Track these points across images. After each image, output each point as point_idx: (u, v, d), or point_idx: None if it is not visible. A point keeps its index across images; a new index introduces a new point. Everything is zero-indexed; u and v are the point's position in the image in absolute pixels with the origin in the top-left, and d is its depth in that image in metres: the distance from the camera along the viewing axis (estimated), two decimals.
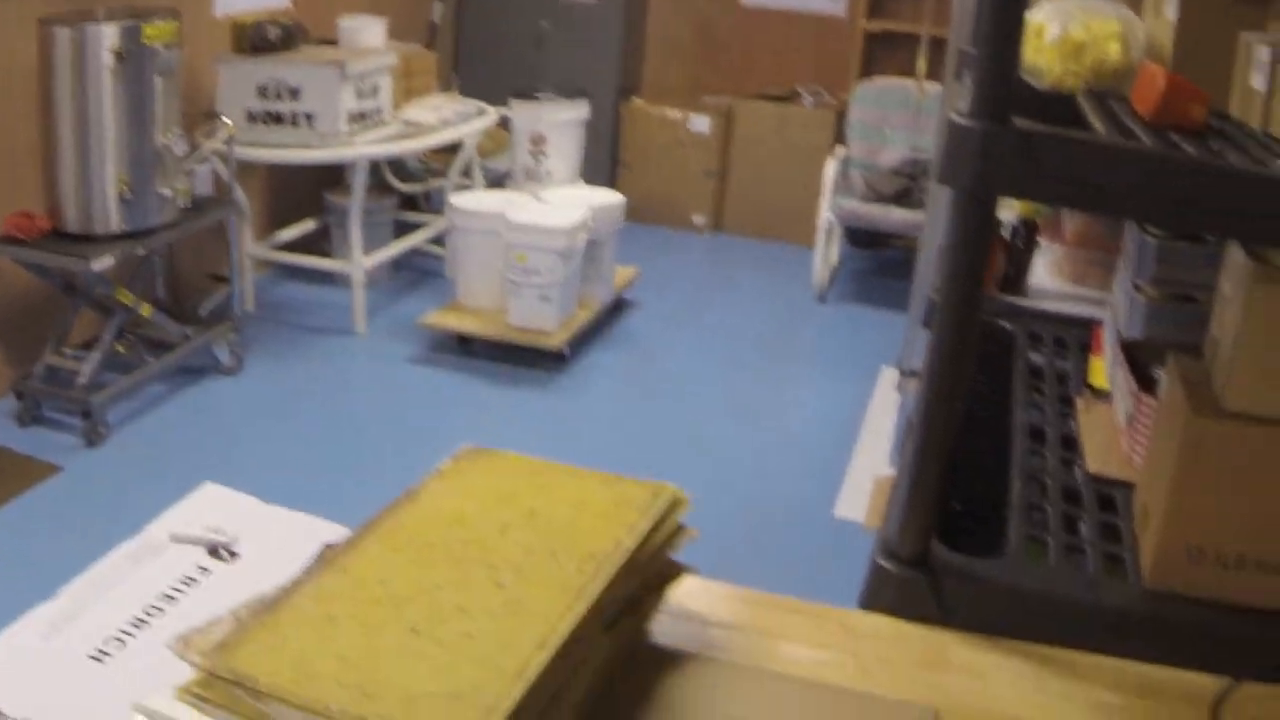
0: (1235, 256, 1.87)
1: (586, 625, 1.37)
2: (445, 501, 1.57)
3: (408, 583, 1.39)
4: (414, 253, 7.55)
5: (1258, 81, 2.14)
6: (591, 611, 1.37)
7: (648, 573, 1.55)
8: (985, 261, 1.76)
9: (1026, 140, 1.62)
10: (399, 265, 7.67)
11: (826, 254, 7.73)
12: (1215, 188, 1.63)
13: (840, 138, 8.19)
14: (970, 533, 2.02)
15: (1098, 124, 1.89)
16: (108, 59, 5.17)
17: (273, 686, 1.22)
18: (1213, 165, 1.69)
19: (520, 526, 1.51)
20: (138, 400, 5.84)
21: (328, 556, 1.45)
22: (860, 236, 8.48)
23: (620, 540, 1.48)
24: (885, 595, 1.85)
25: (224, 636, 1.29)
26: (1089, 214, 3.48)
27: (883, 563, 1.86)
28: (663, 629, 1.68)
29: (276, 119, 6.45)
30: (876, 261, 8.58)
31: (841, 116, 8.31)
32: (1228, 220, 1.65)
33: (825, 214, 7.55)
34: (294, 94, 6.44)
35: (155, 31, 5.33)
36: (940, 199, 4.61)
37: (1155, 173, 1.65)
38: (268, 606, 1.34)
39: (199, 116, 6.30)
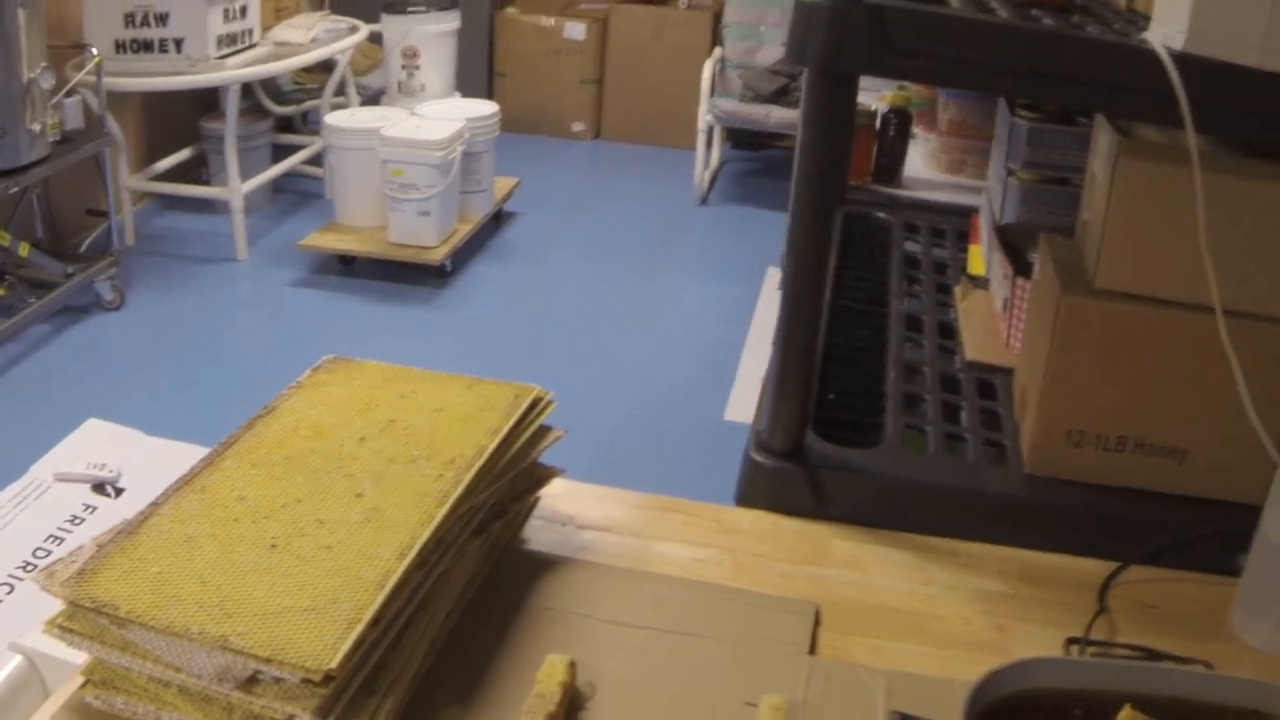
0: (1102, 134, 1.85)
1: (451, 532, 1.35)
2: (303, 414, 1.55)
3: (265, 498, 1.36)
4: (292, 175, 7.47)
5: None
6: (454, 517, 1.35)
7: (515, 476, 1.53)
8: (843, 144, 1.73)
9: (876, 14, 1.59)
10: (278, 189, 7.59)
11: (707, 156, 7.70)
12: (1073, 58, 1.60)
13: (717, 39, 8.16)
14: (848, 424, 2.01)
15: (956, 2, 1.86)
16: None
17: (133, 612, 1.19)
18: (1066, 34, 1.67)
19: (379, 435, 1.49)
20: (21, 342, 5.76)
21: (187, 477, 1.42)
22: (742, 137, 8.46)
23: (481, 444, 1.46)
24: (760, 489, 1.83)
25: (84, 565, 1.26)
26: (975, 99, 3.47)
27: (756, 456, 1.84)
28: (535, 535, 1.65)
29: (145, 46, 6.34)
30: (758, 162, 8.56)
31: (717, 18, 8.28)
32: (1088, 92, 1.62)
33: (704, 116, 7.51)
34: (161, 20, 6.31)
35: None
36: None
37: (1009, 43, 1.62)
38: (127, 532, 1.30)
39: (66, 48, 6.19)
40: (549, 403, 1.60)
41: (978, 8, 1.81)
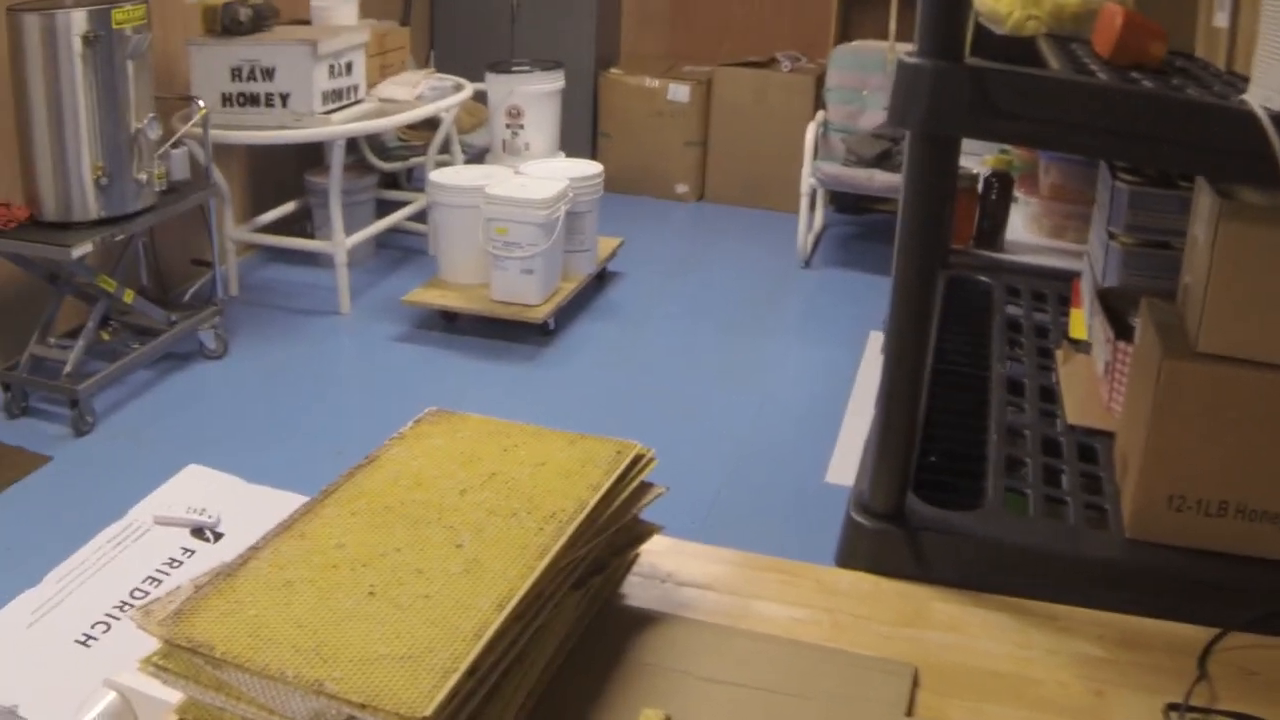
0: (1203, 197, 1.85)
1: (550, 585, 1.36)
2: (405, 464, 1.56)
3: (365, 546, 1.38)
4: (396, 231, 7.52)
5: (1220, 20, 2.12)
6: (554, 571, 1.36)
7: (615, 531, 1.53)
8: (944, 205, 1.74)
9: (977, 77, 1.60)
10: (382, 244, 7.64)
11: (810, 219, 7.69)
12: (1172, 120, 1.60)
13: (820, 102, 8.16)
14: (949, 487, 2.01)
15: (1055, 64, 1.87)
16: (77, 45, 5.13)
17: (229, 653, 1.21)
18: (1168, 97, 1.67)
19: (481, 488, 1.50)
20: (124, 387, 5.82)
21: (287, 523, 1.43)
22: (844, 201, 8.45)
23: (583, 498, 1.47)
24: (860, 551, 1.83)
25: (181, 605, 1.27)
26: (1076, 164, 3.46)
27: (857, 517, 1.85)
28: (635, 590, 1.66)
29: (251, 100, 6.41)
30: (861, 226, 8.54)
31: (820, 81, 8.28)
32: (1187, 154, 1.62)
33: (807, 179, 7.50)
34: (267, 74, 6.39)
35: (124, 15, 5.28)
36: None
37: (1109, 105, 1.62)
38: (226, 574, 1.32)
39: (173, 101, 6.27)
40: (650, 460, 1.60)
41: (1077, 70, 1.81)
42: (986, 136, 1.66)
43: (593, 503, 1.47)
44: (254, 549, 1.38)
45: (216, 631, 1.23)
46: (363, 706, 1.15)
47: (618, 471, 1.54)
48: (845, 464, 5.13)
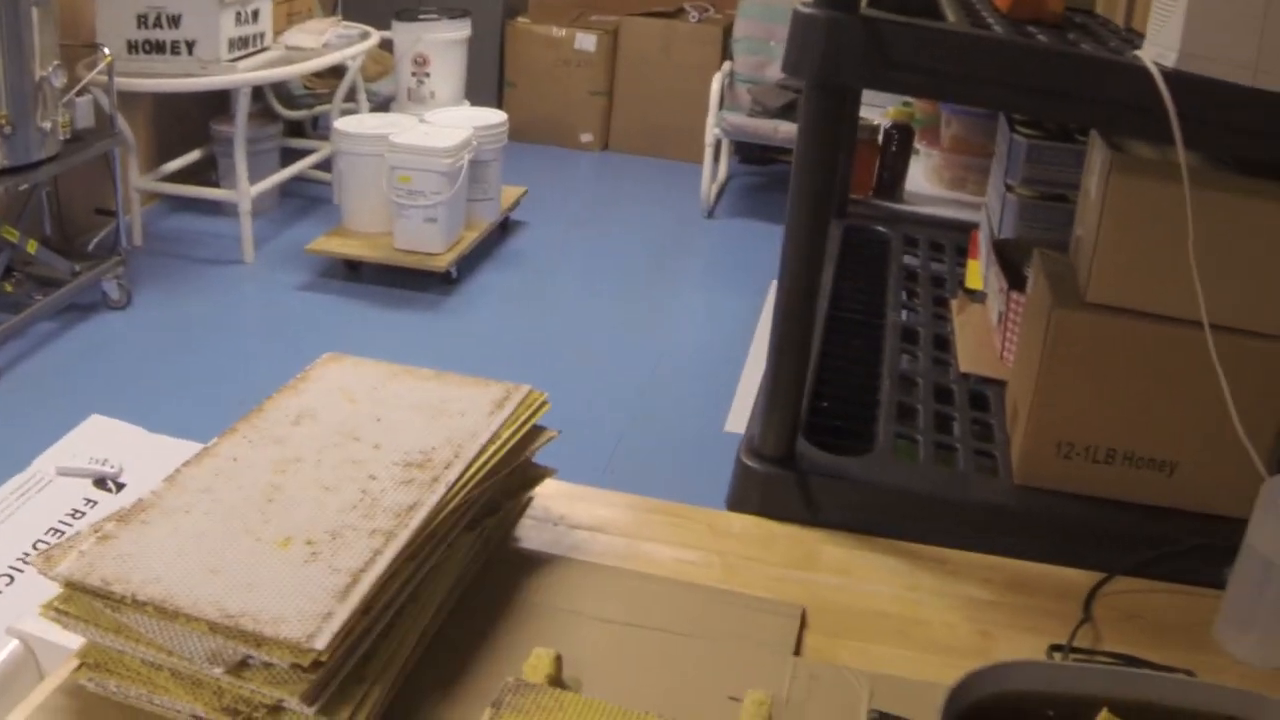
0: (1096, 150, 1.87)
1: (443, 525, 1.37)
2: (300, 406, 1.56)
3: (260, 487, 1.39)
4: (301, 179, 7.49)
5: None
6: (445, 509, 1.37)
7: (508, 474, 1.54)
8: (836, 154, 1.74)
9: (872, 27, 1.61)
10: (286, 193, 7.61)
11: (714, 170, 7.70)
12: (1066, 75, 1.62)
13: (727, 53, 8.17)
14: (840, 432, 2.02)
15: (952, 17, 1.88)
16: None
17: (126, 595, 1.21)
18: (1062, 51, 1.69)
19: (375, 427, 1.51)
20: (27, 339, 5.77)
21: (179, 470, 1.43)
22: (749, 151, 8.46)
23: (475, 437, 1.48)
24: (751, 495, 1.84)
25: (80, 549, 1.27)
26: (978, 117, 3.49)
27: (748, 461, 1.86)
28: (527, 533, 1.67)
29: (157, 48, 6.36)
30: (765, 176, 8.56)
31: (728, 32, 8.28)
32: (1081, 108, 1.64)
33: (712, 129, 7.52)
34: (173, 22, 6.34)
35: None
36: None
37: (1004, 59, 1.64)
38: (122, 518, 1.32)
39: (78, 48, 6.21)
40: (544, 403, 1.61)
41: (974, 23, 1.83)
42: (880, 87, 1.67)
43: (483, 440, 1.48)
44: (151, 493, 1.38)
45: (113, 573, 1.24)
46: (258, 645, 1.16)
47: (508, 411, 1.55)
48: (743, 413, 5.15)
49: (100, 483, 2.73)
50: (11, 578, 2.45)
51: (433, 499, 1.36)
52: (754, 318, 6.17)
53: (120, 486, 2.73)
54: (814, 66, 1.64)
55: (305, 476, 1.41)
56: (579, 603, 1.50)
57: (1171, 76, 1.55)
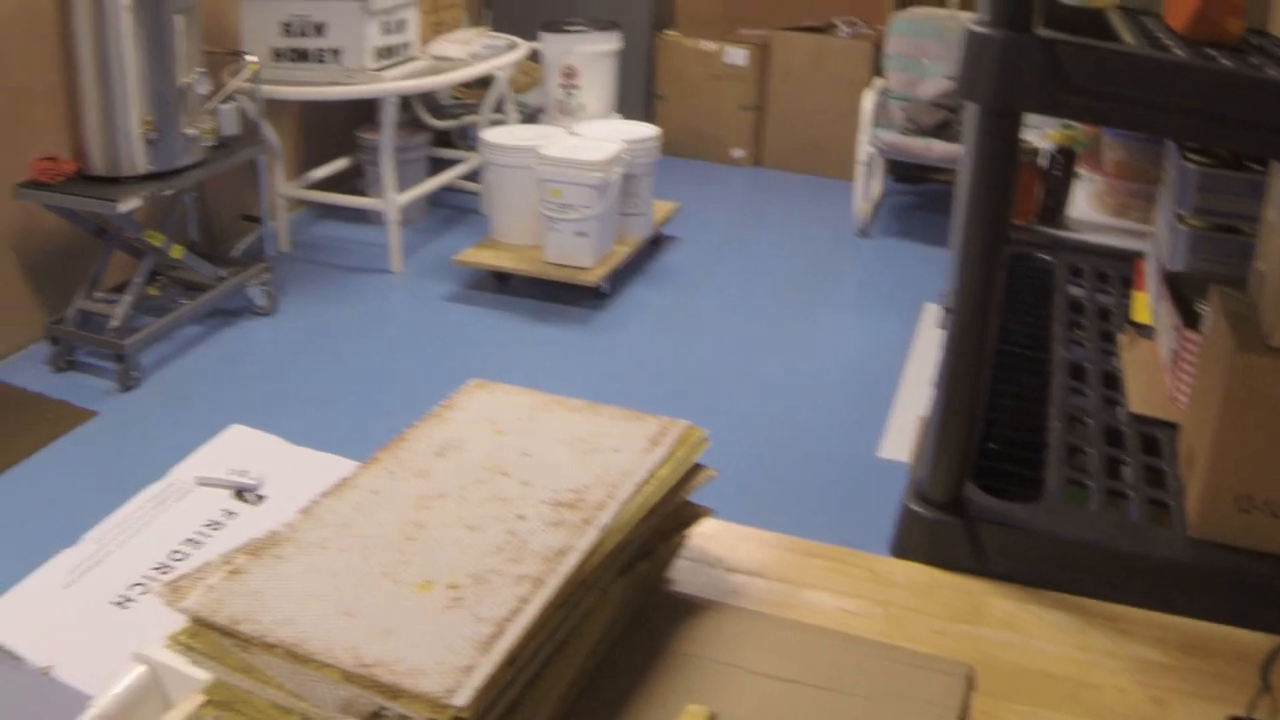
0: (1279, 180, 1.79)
1: (595, 571, 1.31)
2: (447, 439, 1.52)
3: (403, 527, 1.34)
4: (449, 190, 7.52)
5: None
6: (598, 555, 1.32)
7: (663, 515, 1.49)
8: (1010, 182, 1.67)
9: (1050, 50, 1.54)
10: (434, 203, 7.64)
11: (867, 188, 7.65)
12: (1252, 101, 1.54)
13: (878, 69, 8.11)
14: (1008, 475, 1.96)
15: (1128, 38, 1.81)
16: None
17: (256, 636, 1.18)
18: (1250, 77, 1.61)
19: (525, 465, 1.46)
20: (172, 343, 5.81)
21: (317, 501, 1.39)
22: (902, 170, 8.40)
23: (631, 479, 1.43)
24: (917, 541, 1.78)
25: (210, 582, 1.24)
26: (1141, 141, 3.40)
27: (914, 507, 1.79)
28: (682, 575, 1.62)
29: (302, 55, 6.42)
30: (918, 195, 8.49)
31: (879, 48, 8.23)
32: (1266, 137, 1.56)
33: (865, 147, 7.46)
34: (319, 30, 6.39)
35: None
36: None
37: (1188, 85, 1.56)
38: (254, 552, 1.28)
39: (223, 55, 6.26)
40: (703, 440, 1.56)
41: (1152, 45, 1.75)
42: (1058, 113, 1.60)
43: (640, 483, 1.43)
44: (288, 526, 1.34)
45: (242, 611, 1.20)
46: (394, 696, 1.12)
47: (666, 449, 1.50)
48: (898, 439, 5.10)
49: (240, 494, 2.72)
50: (146, 587, 2.43)
51: (584, 543, 1.31)
52: (907, 340, 6.10)
53: (260, 499, 2.71)
54: (988, 90, 1.58)
55: (449, 514, 1.36)
56: (736, 655, 1.44)
57: None
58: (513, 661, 1.17)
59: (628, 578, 1.44)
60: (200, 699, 1.26)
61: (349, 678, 1.14)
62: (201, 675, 1.27)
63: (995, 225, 1.66)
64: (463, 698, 1.10)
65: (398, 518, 1.36)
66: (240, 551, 1.30)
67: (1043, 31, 1.57)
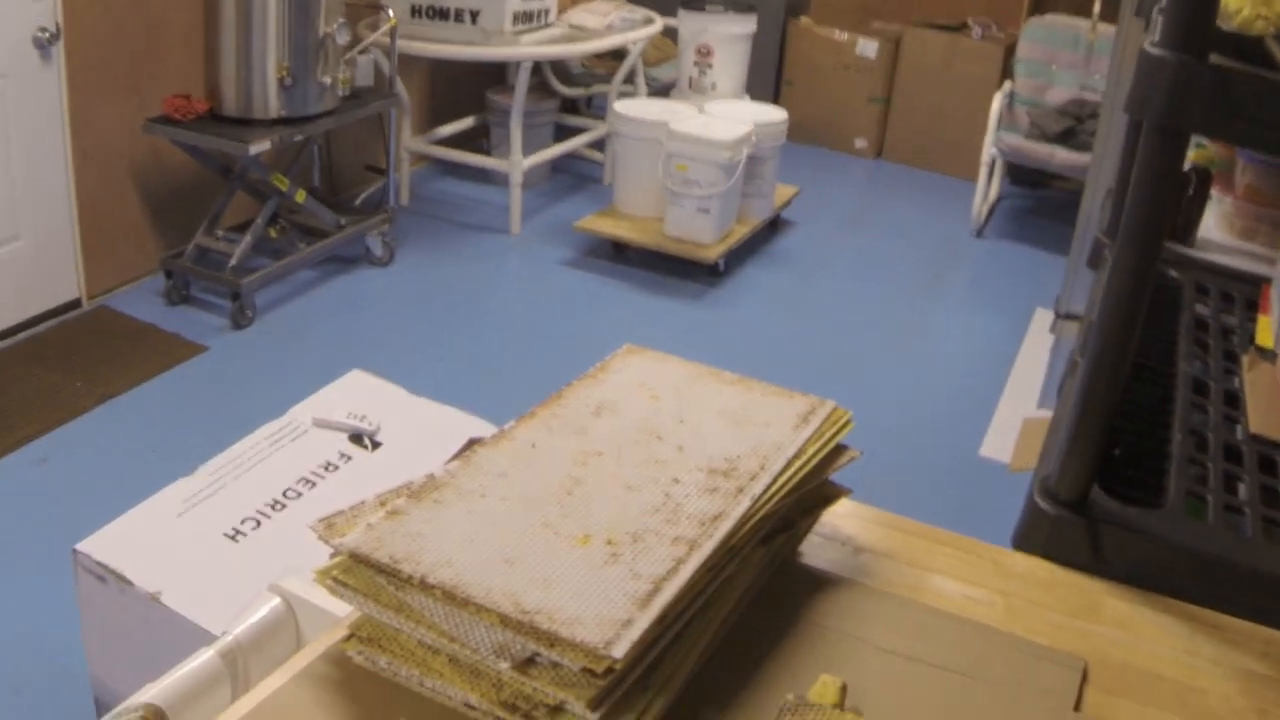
0: None
1: (740, 538, 1.35)
2: (604, 399, 1.57)
3: (563, 480, 1.38)
4: (572, 157, 7.57)
5: None
6: (746, 524, 1.36)
7: (806, 490, 1.53)
8: (1170, 202, 1.71)
9: (1222, 77, 1.57)
10: (556, 168, 7.69)
11: (987, 189, 7.65)
12: None
13: (1008, 73, 8.10)
14: (1130, 481, 1.99)
15: None
16: None
17: (415, 576, 1.21)
18: None
19: (681, 431, 1.50)
20: (287, 286, 5.89)
21: (474, 449, 1.44)
22: (1022, 174, 8.39)
23: (781, 452, 1.47)
24: (1040, 536, 1.82)
25: (373, 521, 1.28)
26: (1273, 167, 3.41)
27: (1040, 503, 1.83)
28: (813, 550, 1.66)
29: (441, 14, 6.46)
30: (1036, 200, 8.48)
31: (1010, 51, 8.22)
32: None
33: (989, 148, 7.47)
34: None
35: None
36: (1110, 142, 4.54)
37: None
38: (414, 495, 1.33)
39: (363, 8, 6.32)
40: (848, 421, 1.61)
41: None
42: (1223, 137, 1.64)
43: (790, 457, 1.47)
44: (445, 470, 1.38)
45: (403, 551, 1.24)
46: (551, 644, 1.15)
47: (815, 427, 1.55)
48: (1001, 438, 5.12)
49: (357, 438, 2.77)
50: (259, 522, 2.49)
51: (738, 511, 1.35)
52: (1016, 341, 6.12)
53: (376, 445, 2.76)
54: (1158, 109, 1.61)
55: (606, 472, 1.41)
56: (864, 630, 1.49)
57: None
58: (663, 619, 1.21)
59: (768, 548, 1.48)
60: (343, 633, 1.30)
61: (507, 622, 1.16)
62: (340, 611, 1.31)
63: (1150, 243, 1.70)
64: (620, 650, 1.13)
65: (557, 472, 1.40)
66: (398, 493, 1.34)
67: (1216, 59, 1.60)
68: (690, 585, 1.25)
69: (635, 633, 1.17)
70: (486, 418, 2.80)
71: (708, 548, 1.29)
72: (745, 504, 1.37)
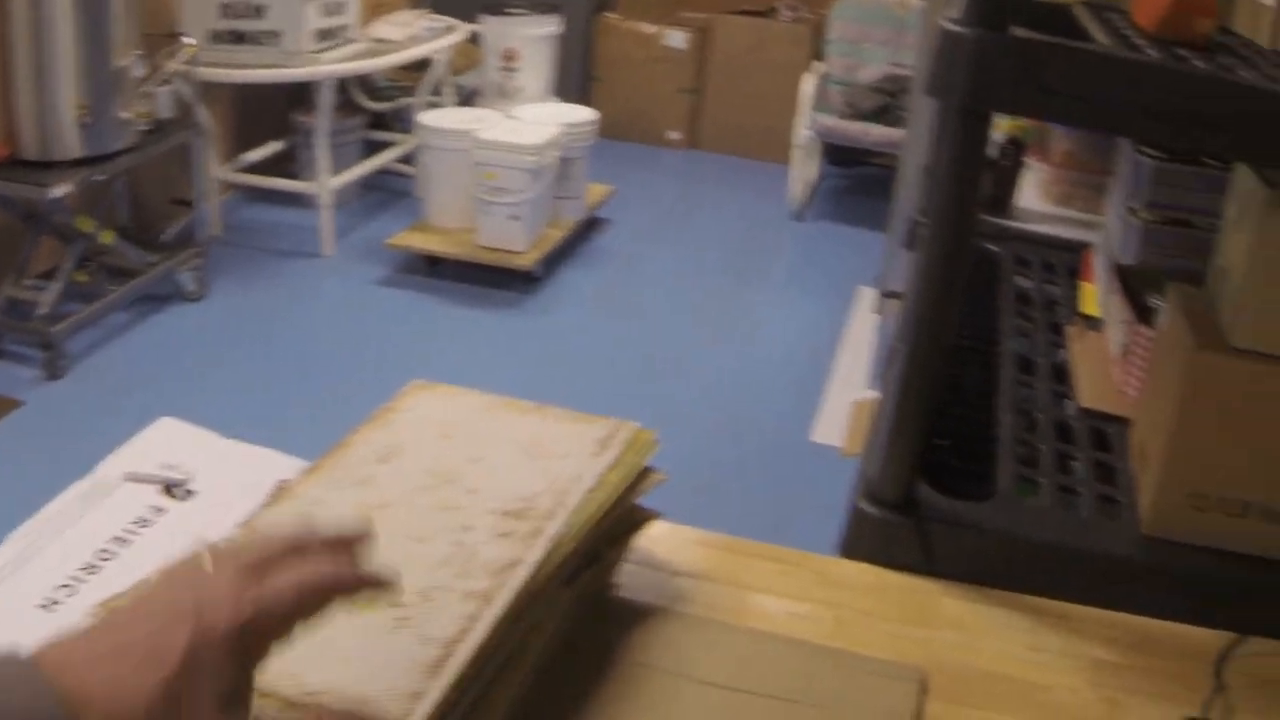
0: (1246, 181, 1.75)
1: (540, 582, 1.26)
2: (386, 441, 1.48)
3: None
4: (383, 172, 7.50)
5: None
6: (547, 566, 1.27)
7: (610, 521, 1.44)
8: (977, 182, 1.63)
9: (1025, 50, 1.49)
10: (369, 186, 7.60)
11: (804, 171, 7.66)
12: (1230, 105, 1.50)
13: (819, 54, 8.10)
14: (958, 472, 1.92)
15: (1098, 36, 1.77)
16: None
17: None
18: (1227, 80, 1.57)
19: (471, 472, 1.42)
20: (100, 330, 5.75)
21: (277, 497, 1.35)
22: (839, 154, 8.40)
23: (580, 485, 1.38)
24: (867, 542, 1.74)
25: None
26: (1089, 132, 3.37)
27: (864, 506, 1.76)
28: (627, 579, 1.57)
29: (240, 38, 6.38)
30: (855, 179, 8.50)
31: (820, 32, 8.22)
32: (1241, 141, 1.53)
33: (803, 130, 7.48)
34: (257, 12, 6.36)
35: None
36: (922, 116, 4.51)
37: (1166, 88, 1.53)
38: None
39: (161, 38, 6.20)
40: (652, 443, 1.52)
41: (1124, 44, 1.72)
42: (1033, 115, 1.57)
43: (588, 487, 1.38)
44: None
45: None
46: None
47: (615, 453, 1.46)
48: (831, 422, 5.10)
49: (169, 489, 2.67)
50: (73, 589, 2.38)
51: (534, 555, 1.26)
52: (841, 322, 6.12)
53: (189, 494, 2.66)
54: (961, 90, 1.53)
55: (393, 525, 1.30)
56: (684, 664, 1.40)
57: None
58: (459, 685, 1.13)
59: (574, 586, 1.39)
60: None
61: (294, 706, 1.09)
62: None
63: (961, 223, 1.62)
64: None
65: None
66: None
67: (1017, 31, 1.52)
68: (486, 644, 1.17)
69: (427, 706, 1.08)
70: (305, 452, 2.71)
71: (502, 600, 1.20)
72: (542, 546, 1.28)
